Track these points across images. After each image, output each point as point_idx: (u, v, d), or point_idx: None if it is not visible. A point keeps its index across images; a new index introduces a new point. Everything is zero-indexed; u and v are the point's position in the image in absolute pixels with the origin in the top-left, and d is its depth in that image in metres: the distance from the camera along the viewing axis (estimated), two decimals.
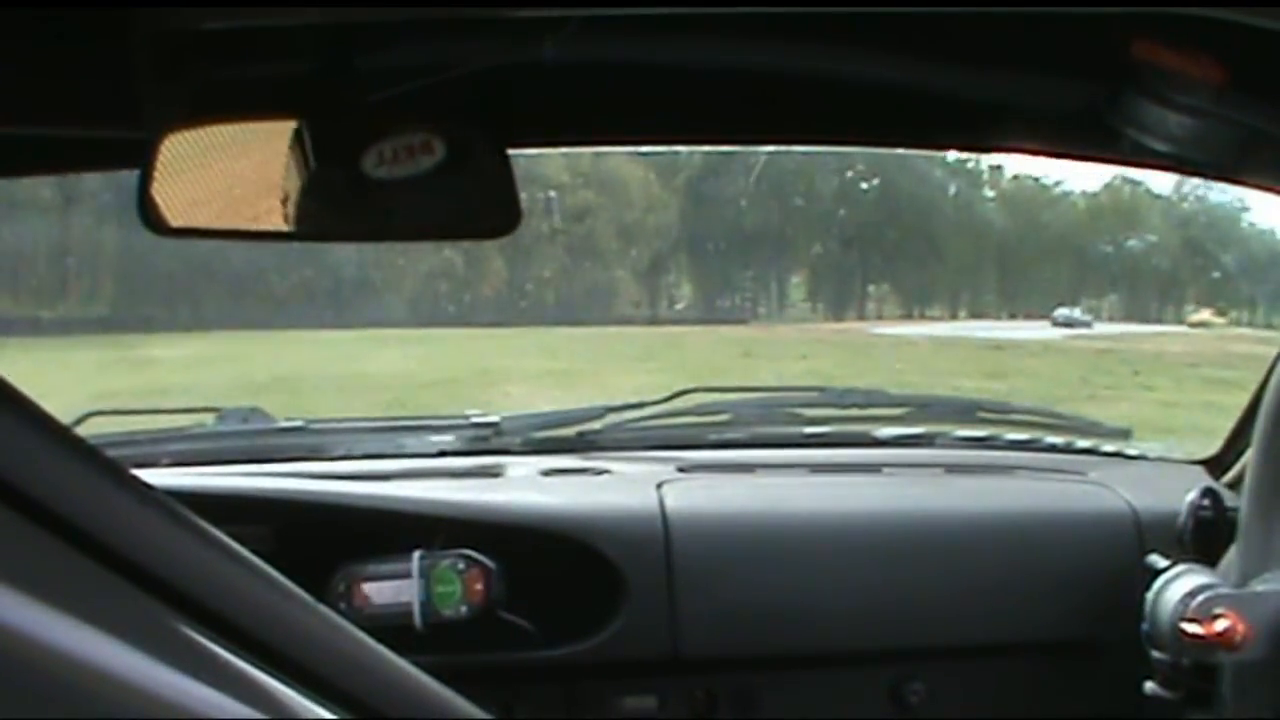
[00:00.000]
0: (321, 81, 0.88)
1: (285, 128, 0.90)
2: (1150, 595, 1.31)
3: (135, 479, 0.37)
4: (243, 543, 0.38)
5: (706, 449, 1.66)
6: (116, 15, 0.80)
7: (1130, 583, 1.36)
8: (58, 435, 0.35)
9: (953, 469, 1.63)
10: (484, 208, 0.95)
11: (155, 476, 1.37)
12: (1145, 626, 1.32)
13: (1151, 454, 1.78)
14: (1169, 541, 1.38)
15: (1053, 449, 1.75)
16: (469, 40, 0.91)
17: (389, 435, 1.64)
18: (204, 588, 0.36)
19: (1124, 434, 1.82)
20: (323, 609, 0.39)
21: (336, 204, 0.94)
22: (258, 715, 0.34)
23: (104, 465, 0.36)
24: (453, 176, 0.95)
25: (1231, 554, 1.27)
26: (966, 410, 1.78)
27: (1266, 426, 1.20)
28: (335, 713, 0.37)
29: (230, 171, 0.91)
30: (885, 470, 1.61)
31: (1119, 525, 1.49)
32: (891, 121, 1.12)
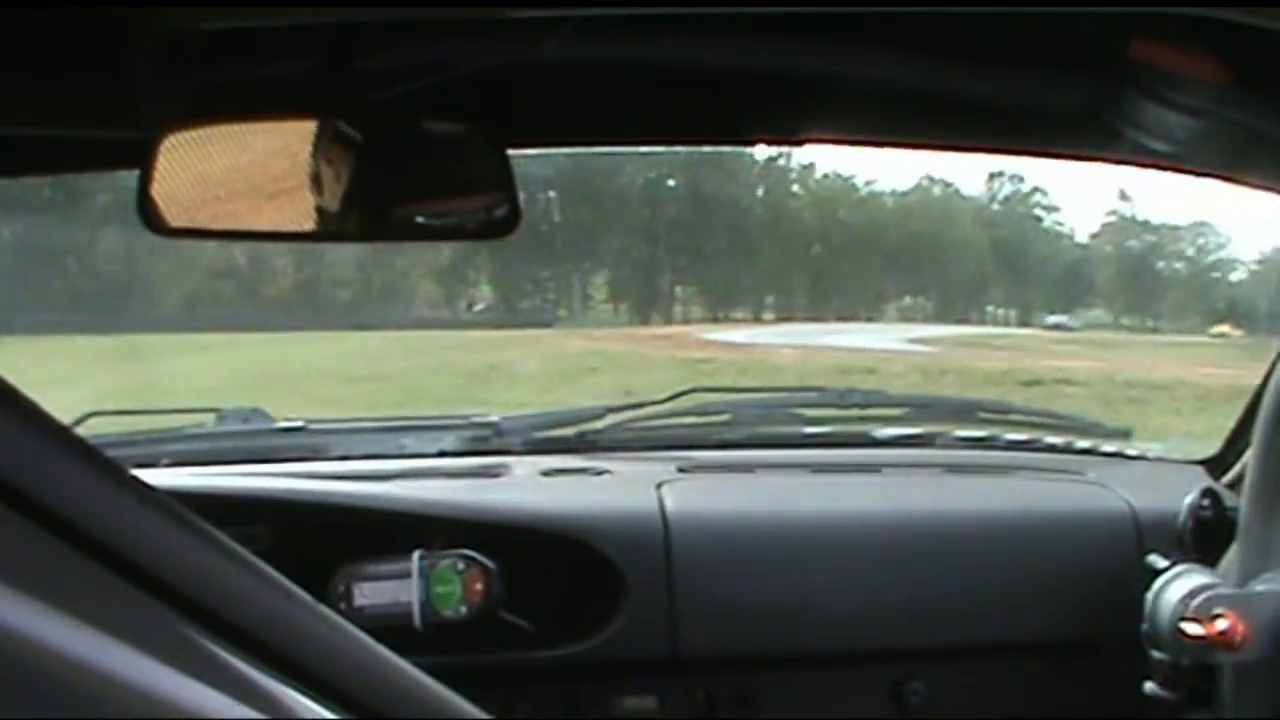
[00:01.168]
0: (321, 81, 0.88)
1: (285, 128, 0.90)
2: (1150, 595, 1.31)
3: (135, 479, 0.37)
4: (243, 543, 0.38)
5: (706, 449, 1.66)
6: (116, 16, 0.80)
7: (1130, 583, 1.36)
8: (58, 435, 0.35)
9: (952, 469, 1.63)
10: (484, 207, 0.95)
11: (155, 476, 1.37)
12: (1145, 626, 1.32)
13: (1151, 454, 1.78)
14: (1169, 541, 1.38)
15: (1052, 449, 1.75)
16: (469, 40, 0.91)
17: (389, 435, 1.64)
18: (204, 588, 0.36)
19: (1124, 434, 1.82)
20: (323, 609, 0.39)
21: (335, 204, 0.94)
22: (257, 715, 0.34)
23: (104, 465, 0.36)
24: (453, 177, 0.95)
25: (1231, 554, 1.28)
26: (966, 410, 1.79)
27: (1266, 427, 1.20)
28: (335, 713, 0.37)
29: (230, 171, 0.91)
30: (885, 470, 1.61)
31: (1119, 525, 1.49)
32: (891, 121, 1.12)
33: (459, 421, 1.67)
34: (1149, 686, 1.31)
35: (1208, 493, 1.39)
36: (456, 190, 0.95)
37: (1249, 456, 1.26)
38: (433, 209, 0.96)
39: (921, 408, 1.76)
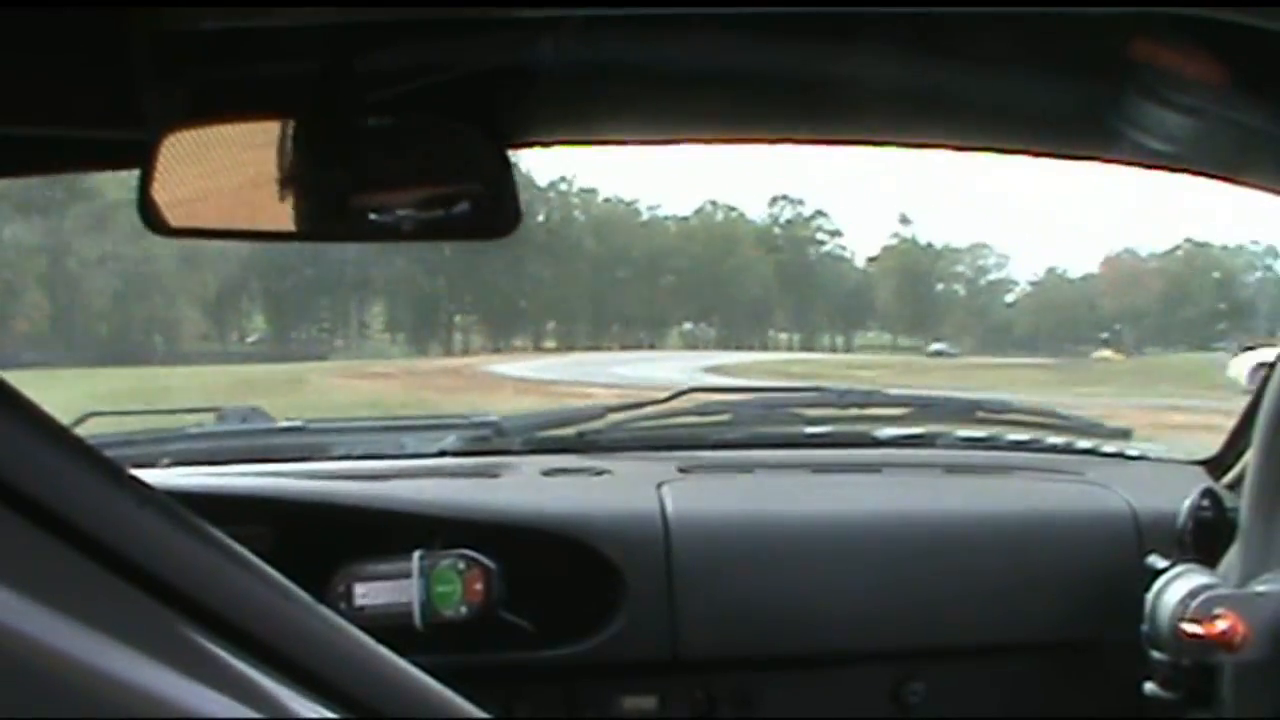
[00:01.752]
0: (321, 81, 0.88)
1: (286, 127, 0.90)
2: (1150, 596, 1.31)
3: (135, 479, 0.37)
4: (243, 543, 0.38)
5: (707, 449, 1.66)
6: (116, 16, 0.80)
7: (1130, 583, 1.36)
8: (57, 435, 0.35)
9: (953, 469, 1.63)
10: (484, 208, 0.95)
11: (155, 476, 1.37)
12: (1145, 627, 1.32)
13: (1152, 454, 1.78)
14: (1169, 542, 1.38)
15: (1053, 449, 1.75)
16: (469, 40, 0.91)
17: (389, 435, 1.64)
18: (204, 588, 0.36)
19: (1124, 434, 1.82)
20: (323, 609, 0.39)
21: (336, 204, 0.94)
22: (257, 715, 0.34)
23: (103, 465, 0.36)
24: (453, 176, 0.95)
25: (1231, 554, 1.28)
26: (966, 410, 1.79)
27: (1266, 427, 1.20)
28: (335, 713, 0.37)
29: (230, 172, 0.91)
30: (885, 470, 1.61)
31: (1119, 526, 1.49)
32: (892, 121, 1.12)
33: (459, 421, 1.67)
34: (1149, 686, 1.31)
35: (1208, 493, 1.39)
36: (456, 190, 0.95)
37: (1249, 457, 1.26)
38: (432, 208, 0.96)
39: (922, 407, 1.76)
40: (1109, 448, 1.77)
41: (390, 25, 0.87)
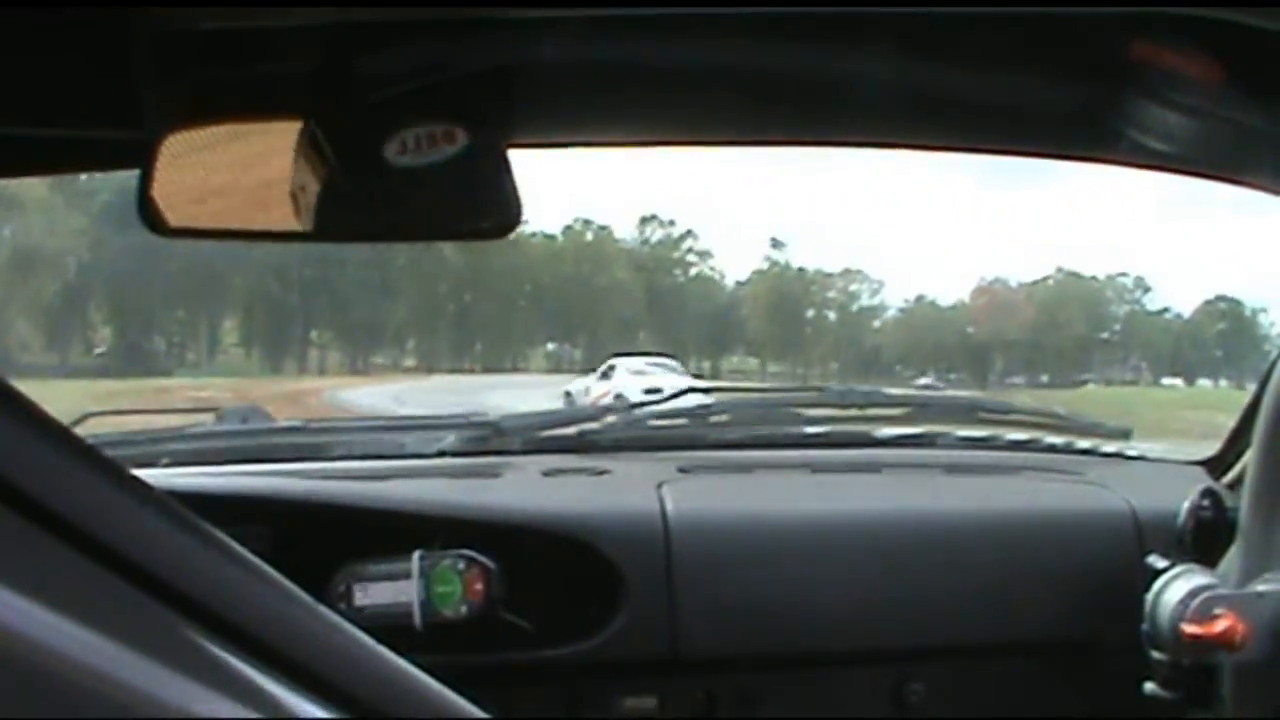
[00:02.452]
0: (321, 82, 0.88)
1: (285, 128, 0.90)
2: (1150, 596, 1.31)
3: (135, 479, 0.37)
4: (243, 543, 0.38)
5: (707, 449, 1.66)
6: (116, 15, 0.80)
7: (1130, 583, 1.36)
8: (57, 435, 0.35)
9: (953, 469, 1.63)
10: (484, 208, 0.95)
11: (155, 476, 1.37)
12: (1145, 627, 1.32)
13: (1151, 454, 1.79)
14: (1169, 542, 1.38)
15: (1053, 449, 1.75)
16: (469, 40, 0.91)
17: (389, 435, 1.64)
18: (204, 588, 0.36)
19: (1124, 434, 1.82)
20: (323, 609, 0.39)
21: (336, 205, 0.94)
22: (257, 716, 0.34)
23: (104, 465, 0.36)
24: (453, 176, 0.95)
25: (1231, 554, 1.27)
26: (966, 410, 1.79)
27: (1266, 427, 1.20)
28: (335, 713, 0.37)
29: (229, 172, 0.91)
30: (885, 470, 1.61)
31: (1119, 526, 1.49)
32: (891, 122, 1.12)
33: (459, 421, 1.67)
34: (1149, 686, 1.31)
35: (1208, 493, 1.39)
36: (456, 190, 0.95)
37: (1249, 457, 1.26)
38: (432, 209, 0.96)
39: (922, 407, 1.76)
40: (1108, 448, 1.77)
41: (390, 25, 0.87)
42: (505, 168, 0.93)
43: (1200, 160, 1.04)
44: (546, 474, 1.52)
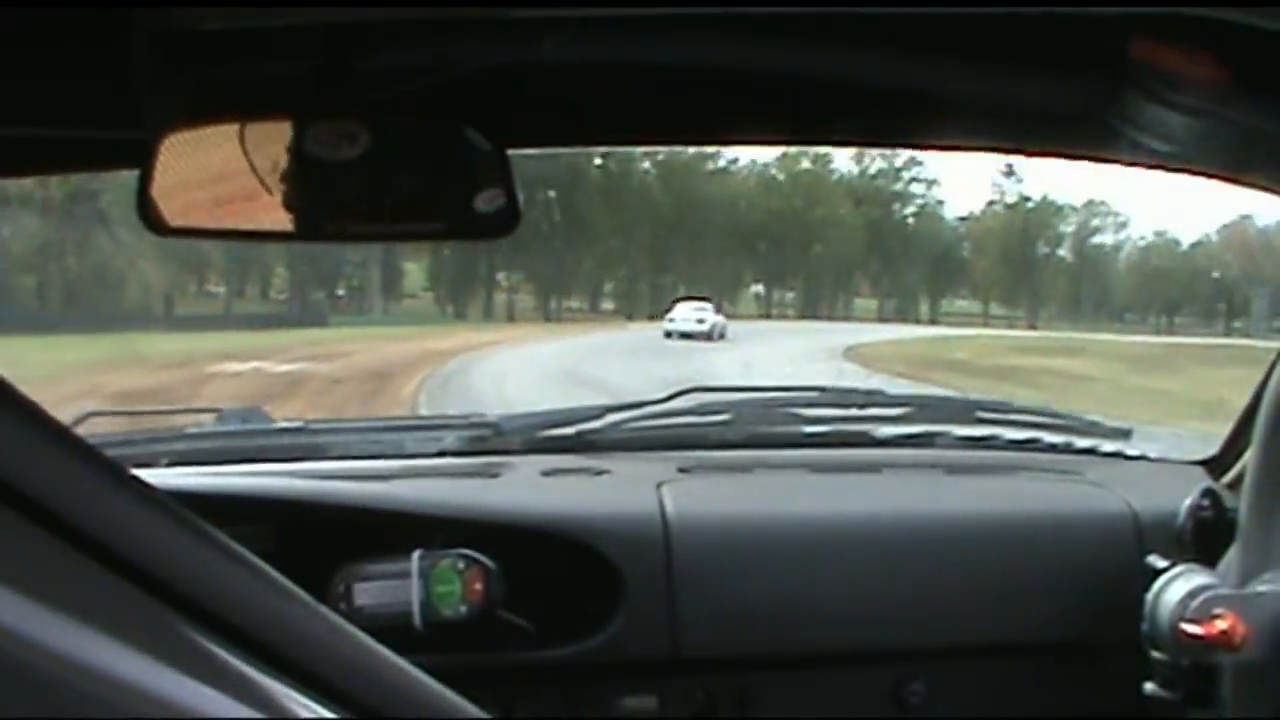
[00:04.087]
0: (321, 82, 0.88)
1: (285, 128, 0.90)
2: (1150, 596, 1.31)
3: (135, 479, 0.37)
4: (243, 543, 0.38)
5: (706, 449, 1.66)
6: (116, 15, 0.80)
7: (1130, 583, 1.36)
8: (57, 435, 0.35)
9: (952, 469, 1.63)
10: (483, 208, 0.95)
11: (155, 476, 1.37)
12: (1145, 627, 1.32)
13: (1151, 454, 1.79)
14: (1169, 542, 1.38)
15: (1052, 449, 1.75)
16: (469, 40, 0.91)
17: (389, 435, 1.64)
18: (204, 588, 0.36)
19: (1124, 434, 1.82)
20: (323, 609, 0.39)
21: (335, 204, 0.94)
22: (257, 715, 0.34)
23: (103, 465, 0.36)
24: (453, 176, 0.95)
25: (1231, 554, 1.27)
26: (966, 410, 1.79)
27: (1266, 427, 1.20)
28: (335, 713, 0.37)
29: (229, 172, 0.91)
30: (885, 470, 1.61)
31: (1118, 526, 1.49)
32: (891, 121, 1.12)
33: (459, 421, 1.67)
34: (1149, 686, 1.31)
35: (1208, 493, 1.39)
36: (456, 190, 0.95)
37: (1249, 457, 1.26)
38: (432, 209, 0.96)
39: (921, 407, 1.76)
40: (1108, 448, 1.77)
41: (390, 25, 0.87)
42: (505, 168, 0.93)
43: (1200, 160, 1.04)
44: (546, 474, 1.52)
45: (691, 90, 1.05)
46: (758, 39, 0.92)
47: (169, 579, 0.35)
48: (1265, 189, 1.11)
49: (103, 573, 0.34)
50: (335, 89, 0.89)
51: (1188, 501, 1.39)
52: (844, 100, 1.06)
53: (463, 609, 1.32)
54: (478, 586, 1.33)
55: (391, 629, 1.27)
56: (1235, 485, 1.48)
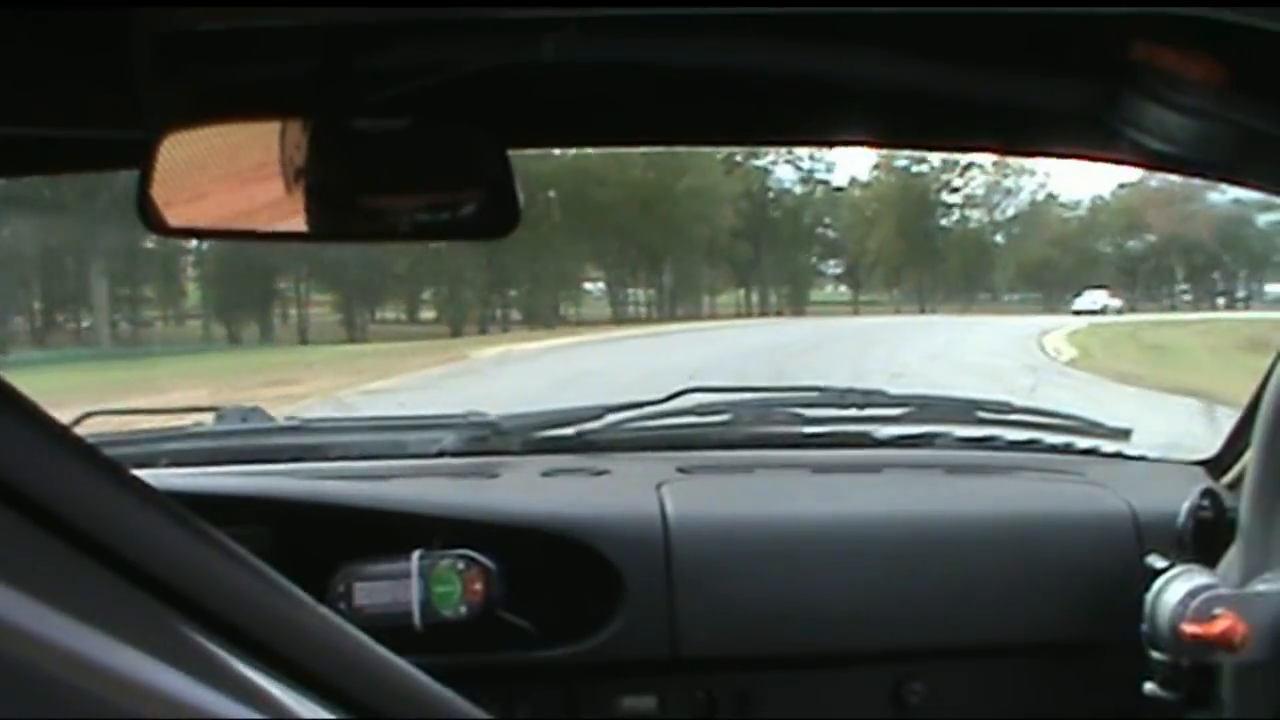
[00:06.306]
0: (321, 82, 0.88)
1: (285, 128, 0.90)
2: (1150, 596, 1.31)
3: (135, 479, 0.37)
4: (243, 543, 0.38)
5: (706, 449, 1.66)
6: (116, 16, 0.80)
7: (1130, 583, 1.36)
8: (57, 435, 0.35)
9: (953, 470, 1.63)
10: (484, 208, 0.95)
11: (155, 476, 1.37)
12: (1145, 627, 1.32)
13: (1151, 455, 1.78)
14: (1168, 542, 1.38)
15: (1053, 449, 1.75)
16: (469, 40, 0.91)
17: (389, 435, 1.64)
18: (203, 588, 0.36)
19: (1124, 434, 1.82)
20: (322, 609, 0.39)
21: (335, 204, 0.94)
22: (257, 715, 0.34)
23: (103, 465, 0.36)
24: (453, 176, 0.95)
25: (1231, 554, 1.27)
26: (966, 410, 1.78)
27: (1266, 427, 1.20)
28: (334, 713, 0.37)
29: (230, 172, 0.91)
30: (885, 470, 1.61)
31: (1118, 526, 1.49)
32: (892, 122, 1.12)
33: (458, 421, 1.67)
34: (1149, 686, 1.31)
35: (1207, 493, 1.39)
36: (456, 190, 0.95)
37: (1249, 457, 1.26)
38: (433, 209, 0.96)
39: (921, 407, 1.76)
40: (1109, 448, 1.77)
41: (390, 25, 0.87)
42: (505, 168, 0.93)
43: (1200, 160, 1.04)
44: (546, 474, 1.52)
45: (692, 91, 1.05)
46: (757, 40, 0.92)
47: (169, 579, 0.35)
48: (1265, 189, 1.11)
49: (102, 572, 0.34)
50: (335, 89, 0.89)
51: (1188, 502, 1.39)
52: (844, 101, 1.06)
53: (462, 609, 1.32)
54: (477, 587, 1.33)
55: (391, 629, 1.27)
56: (1235, 485, 1.48)
